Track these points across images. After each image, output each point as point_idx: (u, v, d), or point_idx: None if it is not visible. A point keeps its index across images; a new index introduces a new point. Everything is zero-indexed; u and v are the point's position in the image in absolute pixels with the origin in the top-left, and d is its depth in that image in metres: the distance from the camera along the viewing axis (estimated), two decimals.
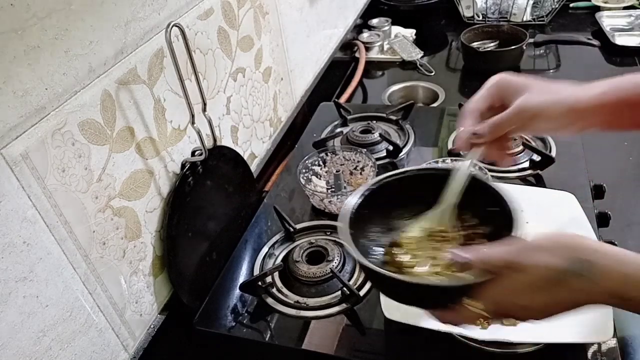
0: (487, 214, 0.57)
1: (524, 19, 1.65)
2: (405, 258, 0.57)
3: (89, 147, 0.60)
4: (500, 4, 1.69)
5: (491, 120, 0.55)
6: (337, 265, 0.80)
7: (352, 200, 0.59)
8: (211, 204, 0.84)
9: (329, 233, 0.88)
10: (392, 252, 0.58)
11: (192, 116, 0.72)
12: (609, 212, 0.85)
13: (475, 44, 1.48)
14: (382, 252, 0.59)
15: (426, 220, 0.59)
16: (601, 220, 0.84)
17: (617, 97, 0.52)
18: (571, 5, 1.73)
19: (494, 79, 0.58)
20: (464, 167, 0.57)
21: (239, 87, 0.95)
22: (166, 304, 0.78)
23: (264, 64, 1.04)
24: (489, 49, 1.44)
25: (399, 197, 0.62)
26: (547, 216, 0.75)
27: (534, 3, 1.64)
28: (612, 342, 0.62)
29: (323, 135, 1.14)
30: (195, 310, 0.78)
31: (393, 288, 0.54)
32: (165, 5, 0.72)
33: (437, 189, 0.58)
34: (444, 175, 0.58)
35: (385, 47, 1.63)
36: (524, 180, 0.94)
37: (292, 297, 0.78)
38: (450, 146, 1.05)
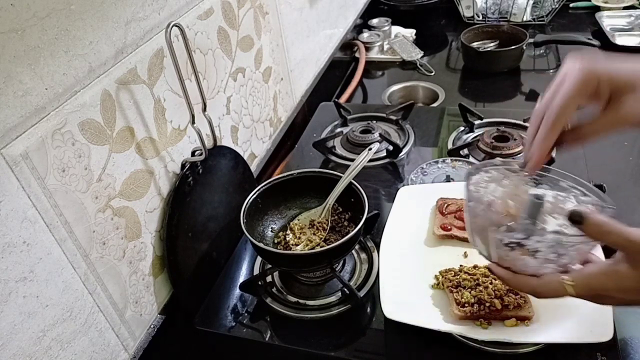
0: (350, 203, 0.82)
1: (524, 19, 1.65)
2: (290, 239, 0.82)
3: (89, 147, 0.60)
4: (500, 4, 1.69)
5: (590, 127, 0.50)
6: (337, 265, 0.80)
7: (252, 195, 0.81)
8: (211, 204, 0.84)
9: None
10: (282, 234, 0.84)
11: (192, 116, 0.72)
12: None
13: (475, 44, 1.48)
14: (274, 234, 0.85)
15: (312, 213, 0.84)
16: None
17: None
18: (571, 5, 1.73)
19: (578, 74, 0.47)
20: (347, 175, 0.79)
21: (239, 87, 0.95)
22: (166, 304, 0.78)
23: (264, 64, 1.04)
24: (489, 49, 1.44)
25: (293, 192, 0.86)
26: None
27: (534, 3, 1.64)
28: (612, 342, 0.62)
29: (323, 135, 1.14)
30: (195, 310, 0.78)
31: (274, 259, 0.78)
32: (165, 5, 0.72)
33: (326, 187, 0.82)
34: (333, 178, 0.82)
35: (385, 47, 1.63)
36: None
37: (292, 297, 0.78)
38: (450, 146, 1.05)
